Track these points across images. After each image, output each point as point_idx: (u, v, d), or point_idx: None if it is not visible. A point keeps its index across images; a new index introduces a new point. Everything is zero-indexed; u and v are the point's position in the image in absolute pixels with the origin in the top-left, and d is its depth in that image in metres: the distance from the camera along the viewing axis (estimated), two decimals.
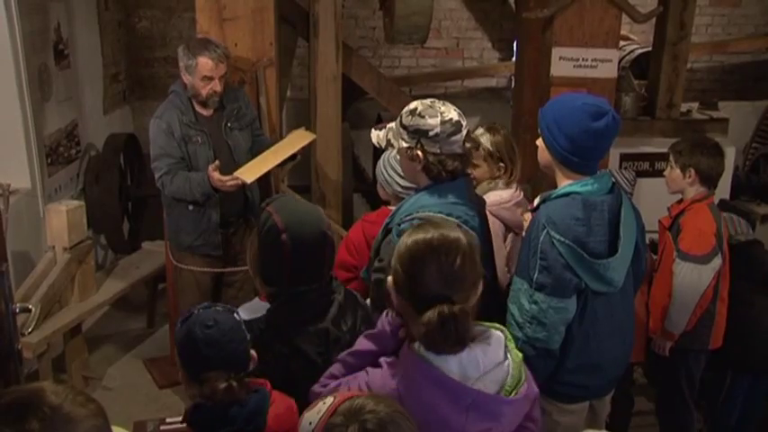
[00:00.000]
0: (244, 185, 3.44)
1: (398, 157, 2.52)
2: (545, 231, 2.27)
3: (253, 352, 1.95)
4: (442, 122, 2.31)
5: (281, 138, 4.00)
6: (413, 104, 2.38)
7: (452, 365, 1.72)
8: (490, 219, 3.00)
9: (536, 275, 2.28)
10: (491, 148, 3.04)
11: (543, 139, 2.40)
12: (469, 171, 2.87)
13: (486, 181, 3.07)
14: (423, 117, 2.32)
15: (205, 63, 3.43)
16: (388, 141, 2.41)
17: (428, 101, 2.39)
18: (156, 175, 3.54)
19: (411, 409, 1.55)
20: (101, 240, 5.33)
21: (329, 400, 1.54)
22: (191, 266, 3.70)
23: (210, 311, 1.92)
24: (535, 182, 4.24)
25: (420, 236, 1.77)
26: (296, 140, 3.66)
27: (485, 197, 3.03)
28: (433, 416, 1.68)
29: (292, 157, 3.62)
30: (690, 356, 3.30)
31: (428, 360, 1.72)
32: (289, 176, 4.69)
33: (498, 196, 3.05)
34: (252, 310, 2.47)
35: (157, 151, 3.51)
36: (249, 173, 3.42)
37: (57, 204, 4.09)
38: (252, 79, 3.93)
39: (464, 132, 2.37)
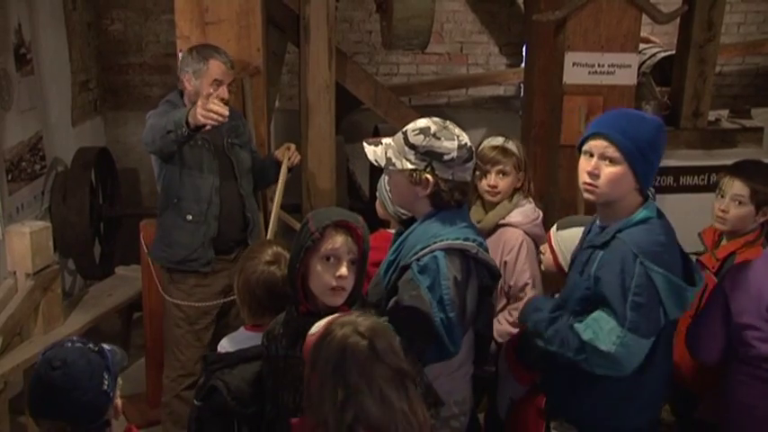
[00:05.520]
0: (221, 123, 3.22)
1: (390, 177, 2.50)
2: (637, 262, 2.24)
3: (118, 401, 1.92)
4: (459, 147, 2.33)
5: (269, 151, 4.07)
6: (422, 123, 2.39)
7: None
8: (525, 239, 3.04)
9: (629, 314, 2.23)
10: (520, 157, 3.12)
11: (630, 165, 2.33)
12: (496, 182, 3.00)
13: (506, 199, 3.11)
14: (438, 139, 2.33)
15: (218, 66, 3.50)
16: (389, 160, 2.40)
17: (439, 121, 2.41)
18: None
19: None
20: (69, 265, 5.30)
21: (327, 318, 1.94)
22: (177, 300, 3.67)
23: (64, 349, 1.85)
24: (547, 200, 4.25)
25: None
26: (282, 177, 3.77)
27: (510, 216, 3.07)
28: None
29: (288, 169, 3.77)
30: None
31: None
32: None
33: (525, 214, 3.10)
34: (236, 341, 2.46)
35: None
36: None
37: (19, 225, 4.06)
38: (237, 89, 3.93)
39: (474, 159, 2.41)
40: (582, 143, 2.41)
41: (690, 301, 2.34)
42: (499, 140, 3.14)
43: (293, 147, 3.81)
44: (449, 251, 2.32)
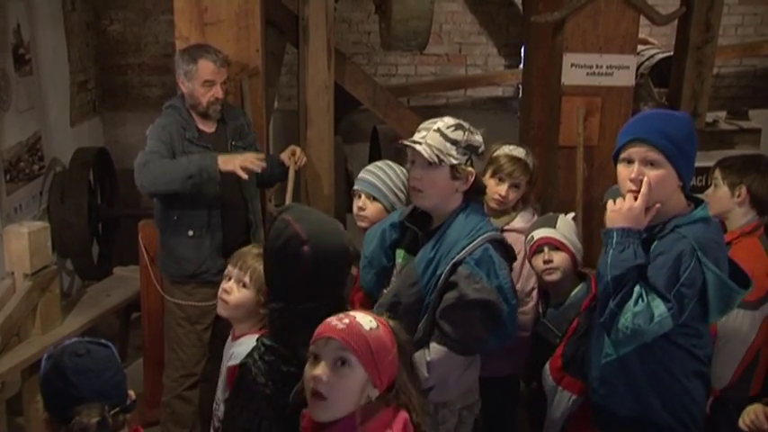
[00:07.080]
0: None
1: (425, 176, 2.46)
2: (695, 257, 2.25)
3: (131, 392, 1.94)
4: (481, 140, 2.47)
5: (268, 152, 4.06)
6: (449, 120, 2.46)
7: None
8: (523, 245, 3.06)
9: (674, 302, 2.25)
10: (534, 173, 3.14)
11: (673, 165, 2.31)
12: (508, 193, 3.05)
13: (510, 209, 3.14)
14: (473, 133, 2.45)
15: (206, 66, 3.50)
16: (438, 157, 2.41)
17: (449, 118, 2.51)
18: (138, 160, 3.49)
19: None
20: (67, 265, 5.29)
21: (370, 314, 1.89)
22: (179, 300, 3.68)
23: (82, 342, 1.92)
24: (546, 200, 4.25)
25: None
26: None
27: (513, 222, 3.10)
28: None
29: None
30: (730, 406, 3.21)
31: None
32: (276, 195, 4.68)
33: (526, 219, 3.15)
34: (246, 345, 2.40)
35: (150, 147, 3.50)
36: None
37: (17, 226, 4.04)
38: (236, 89, 3.93)
39: None
40: (618, 152, 2.40)
41: (736, 303, 2.34)
42: (521, 153, 3.12)
43: (299, 150, 3.81)
44: (493, 242, 2.44)
